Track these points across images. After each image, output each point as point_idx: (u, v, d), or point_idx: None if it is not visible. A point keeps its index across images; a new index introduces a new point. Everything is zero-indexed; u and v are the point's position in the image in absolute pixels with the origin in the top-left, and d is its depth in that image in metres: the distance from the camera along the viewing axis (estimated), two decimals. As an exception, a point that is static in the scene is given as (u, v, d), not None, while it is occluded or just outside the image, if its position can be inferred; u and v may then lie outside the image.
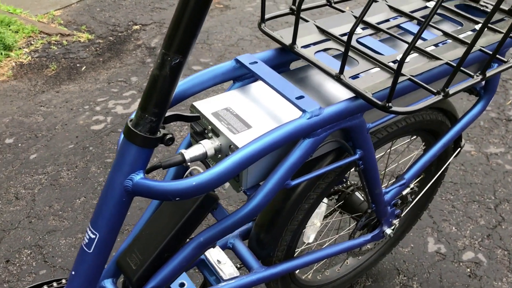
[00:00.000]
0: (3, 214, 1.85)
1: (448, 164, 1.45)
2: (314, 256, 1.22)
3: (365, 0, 1.21)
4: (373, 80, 0.91)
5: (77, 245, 1.73)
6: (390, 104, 0.84)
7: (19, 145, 2.22)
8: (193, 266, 1.16)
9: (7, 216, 1.85)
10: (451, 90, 0.89)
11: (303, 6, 1.09)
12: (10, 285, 1.60)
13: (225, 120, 0.88)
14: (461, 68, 0.91)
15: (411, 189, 1.32)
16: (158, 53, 0.72)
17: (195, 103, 0.91)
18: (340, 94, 0.96)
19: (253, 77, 1.00)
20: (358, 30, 1.06)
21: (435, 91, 0.87)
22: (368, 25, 1.07)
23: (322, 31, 1.04)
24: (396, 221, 1.33)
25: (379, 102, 0.85)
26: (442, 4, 1.17)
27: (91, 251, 0.84)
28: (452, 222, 1.87)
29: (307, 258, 1.20)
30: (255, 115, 0.91)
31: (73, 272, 0.88)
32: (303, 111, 0.85)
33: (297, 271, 1.43)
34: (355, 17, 1.11)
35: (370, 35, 1.06)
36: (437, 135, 1.29)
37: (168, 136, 0.77)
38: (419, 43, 1.03)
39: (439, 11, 1.15)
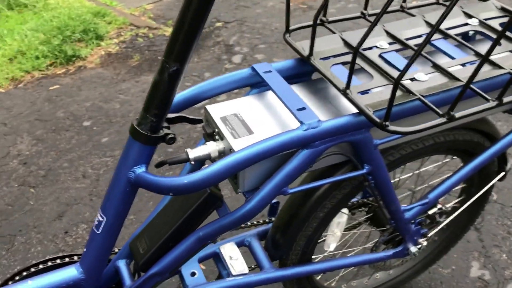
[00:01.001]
0: (69, 190, 2.05)
1: (491, 187, 1.38)
2: (328, 265, 1.23)
3: (399, 15, 1.17)
4: (380, 97, 0.91)
5: (127, 226, 1.87)
6: (387, 123, 0.84)
7: (94, 128, 2.43)
8: (208, 258, 1.23)
9: (72, 192, 2.05)
10: (459, 114, 0.86)
11: (333, 18, 1.10)
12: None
13: (230, 125, 0.93)
14: (475, 89, 0.89)
15: (440, 209, 1.28)
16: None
17: (207, 106, 0.97)
18: (349, 108, 0.97)
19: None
20: (385, 44, 1.05)
21: (441, 113, 0.85)
22: (396, 40, 1.06)
23: (346, 43, 1.05)
24: (422, 240, 1.30)
25: (377, 120, 0.85)
26: (485, 21, 1.12)
27: (99, 232, 0.94)
28: (503, 249, 1.77)
29: (319, 266, 1.22)
30: (261, 122, 0.94)
31: (85, 249, 0.98)
32: (301, 122, 0.88)
33: (318, 277, 1.45)
34: (386, 31, 1.10)
35: (397, 50, 1.05)
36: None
37: (169, 136, 0.84)
38: (445, 61, 1.01)
39: (480, 28, 1.11)
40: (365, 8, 1.10)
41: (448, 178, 1.21)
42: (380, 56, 1.01)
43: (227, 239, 1.22)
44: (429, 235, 1.31)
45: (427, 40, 0.75)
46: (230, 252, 1.17)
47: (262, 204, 0.91)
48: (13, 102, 2.62)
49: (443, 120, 0.85)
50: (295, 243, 1.17)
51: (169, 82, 0.79)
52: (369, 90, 0.92)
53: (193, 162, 0.89)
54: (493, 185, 1.36)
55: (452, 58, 1.04)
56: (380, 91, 0.92)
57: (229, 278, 1.11)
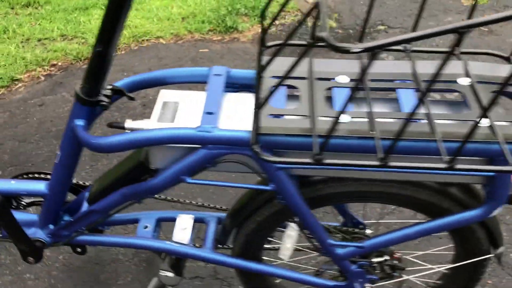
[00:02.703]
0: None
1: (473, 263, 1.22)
2: (263, 268, 1.27)
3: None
4: (286, 124, 0.93)
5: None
6: (255, 147, 0.89)
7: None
8: (166, 220, 1.36)
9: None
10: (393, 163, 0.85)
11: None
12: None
13: (164, 110, 1.05)
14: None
15: (392, 262, 1.21)
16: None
17: (162, 90, 1.11)
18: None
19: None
20: (344, 79, 1.05)
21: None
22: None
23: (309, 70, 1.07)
24: (370, 287, 1.23)
25: (245, 140, 0.93)
26: (476, 84, 1.01)
27: (57, 162, 1.16)
28: None
29: (251, 265, 1.25)
30: (188, 115, 1.04)
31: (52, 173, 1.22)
32: (200, 124, 0.97)
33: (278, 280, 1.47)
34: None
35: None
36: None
37: (102, 103, 1.03)
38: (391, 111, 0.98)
39: (463, 90, 1.02)
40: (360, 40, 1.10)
41: (391, 232, 1.14)
42: (328, 88, 1.01)
43: (192, 212, 1.34)
44: (379, 284, 1.24)
45: (356, 86, 0.77)
46: (185, 222, 1.30)
47: (163, 182, 1.05)
48: (166, 54, 3.05)
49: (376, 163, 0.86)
50: (237, 236, 1.24)
51: (97, 60, 0.98)
52: (282, 115, 0.94)
53: (127, 131, 1.04)
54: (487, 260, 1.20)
55: (399, 110, 1.00)
56: (291, 120, 0.94)
57: (167, 242, 1.25)
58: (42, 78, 2.75)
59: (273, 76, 1.05)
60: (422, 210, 1.15)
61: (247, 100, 1.08)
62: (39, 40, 3.05)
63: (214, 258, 1.26)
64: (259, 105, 0.88)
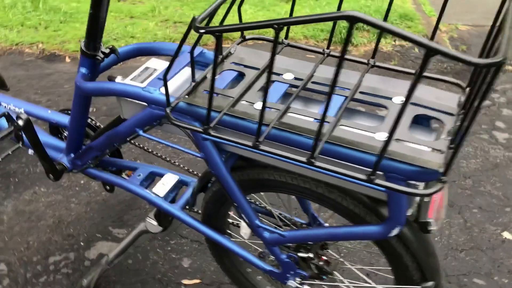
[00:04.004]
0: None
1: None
2: (213, 236, 1.35)
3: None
4: (204, 99, 1.04)
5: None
6: (168, 109, 1.00)
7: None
8: (156, 175, 1.53)
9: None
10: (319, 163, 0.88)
11: (295, 44, 1.19)
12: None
13: (143, 73, 1.22)
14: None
15: (319, 260, 1.20)
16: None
17: (152, 58, 1.28)
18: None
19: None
20: (288, 76, 1.12)
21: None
22: (302, 79, 1.10)
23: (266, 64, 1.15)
24: (298, 281, 1.24)
25: (154, 97, 1.10)
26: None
27: (73, 101, 1.41)
28: None
29: (206, 231, 1.36)
30: (158, 81, 1.19)
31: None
32: (147, 85, 1.13)
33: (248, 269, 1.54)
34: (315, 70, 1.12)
35: (292, 86, 1.11)
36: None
37: (96, 57, 1.23)
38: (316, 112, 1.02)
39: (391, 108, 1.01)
40: (328, 47, 1.15)
41: (309, 229, 1.15)
42: (272, 81, 1.09)
43: (181, 174, 1.50)
44: (308, 282, 1.24)
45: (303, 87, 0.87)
46: (168, 179, 1.47)
47: (124, 130, 1.22)
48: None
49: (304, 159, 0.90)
50: (202, 202, 1.36)
51: (91, 21, 1.18)
52: (217, 94, 1.05)
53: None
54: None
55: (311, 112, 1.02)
56: (217, 98, 1.04)
57: (146, 190, 1.42)
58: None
59: (232, 62, 1.16)
60: (348, 217, 1.14)
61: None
62: (175, 22, 3.49)
63: (177, 214, 1.40)
64: (193, 78, 1.00)
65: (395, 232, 1.01)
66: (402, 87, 1.07)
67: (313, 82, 1.10)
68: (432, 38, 1.03)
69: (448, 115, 1.00)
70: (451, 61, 3.18)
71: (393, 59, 3.16)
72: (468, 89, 1.05)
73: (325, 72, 1.13)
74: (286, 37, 1.20)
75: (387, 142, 0.87)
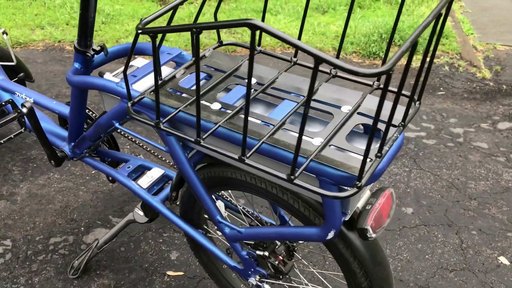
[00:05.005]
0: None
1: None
2: (186, 228, 1.41)
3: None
4: (167, 96, 1.11)
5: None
6: (129, 104, 1.08)
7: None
8: (145, 169, 1.61)
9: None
10: (249, 161, 0.92)
11: (267, 51, 1.24)
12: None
13: (131, 68, 1.31)
14: None
15: (275, 260, 1.23)
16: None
17: (138, 57, 1.38)
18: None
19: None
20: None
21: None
22: (263, 84, 1.16)
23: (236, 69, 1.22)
24: (258, 279, 1.28)
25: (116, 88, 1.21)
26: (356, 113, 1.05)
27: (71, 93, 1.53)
28: None
29: (180, 223, 1.41)
30: (136, 77, 1.27)
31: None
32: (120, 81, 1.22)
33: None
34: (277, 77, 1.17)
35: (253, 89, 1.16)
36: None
37: (87, 54, 1.32)
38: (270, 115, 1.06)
39: (338, 115, 1.05)
40: (295, 56, 1.21)
41: (269, 227, 1.19)
42: (236, 84, 1.17)
43: (168, 169, 1.58)
44: (267, 281, 1.28)
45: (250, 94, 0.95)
46: (154, 173, 1.55)
47: (104, 121, 1.32)
48: (301, 63, 3.27)
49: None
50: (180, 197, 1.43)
51: (81, 20, 1.27)
52: (177, 90, 1.12)
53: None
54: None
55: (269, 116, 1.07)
56: (179, 96, 1.12)
57: (131, 181, 1.51)
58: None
59: (205, 65, 1.23)
60: (300, 219, 1.17)
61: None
62: (209, 28, 3.61)
63: (156, 206, 1.47)
64: (160, 77, 1.09)
65: (331, 235, 1.04)
66: (355, 97, 1.10)
67: (272, 88, 1.15)
68: (338, 54, 1.12)
69: (391, 126, 1.02)
70: (480, 81, 3.11)
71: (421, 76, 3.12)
72: (418, 102, 1.07)
73: (288, 78, 1.18)
74: (259, 44, 1.26)
75: (319, 147, 0.92)
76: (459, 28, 3.70)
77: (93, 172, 2.22)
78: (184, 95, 1.13)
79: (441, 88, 3.03)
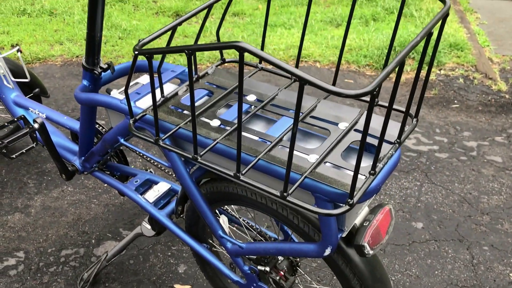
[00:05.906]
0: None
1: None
2: (190, 243, 1.42)
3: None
4: (168, 113, 1.13)
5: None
6: (131, 121, 1.10)
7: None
8: (152, 183, 1.64)
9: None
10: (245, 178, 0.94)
11: (268, 67, 1.26)
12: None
13: (132, 87, 1.34)
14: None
15: (276, 275, 1.23)
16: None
17: (146, 74, 1.41)
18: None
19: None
20: (251, 98, 1.19)
21: (191, 155, 1.01)
22: (262, 101, 1.18)
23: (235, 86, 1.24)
24: None
25: (119, 105, 1.22)
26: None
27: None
28: None
29: (185, 238, 1.43)
30: (139, 94, 1.30)
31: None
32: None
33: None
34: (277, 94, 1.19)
35: (250, 105, 1.19)
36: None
37: (94, 71, 1.36)
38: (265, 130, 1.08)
39: (334, 132, 1.07)
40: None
41: (269, 242, 1.19)
42: (236, 101, 1.18)
43: (174, 184, 1.60)
44: None
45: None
46: (160, 187, 1.58)
47: (110, 137, 1.35)
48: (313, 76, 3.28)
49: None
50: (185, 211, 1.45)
51: (88, 39, 1.30)
52: (181, 109, 1.14)
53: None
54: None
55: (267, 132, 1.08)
56: (179, 113, 1.13)
57: (138, 195, 1.53)
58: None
59: (207, 82, 1.26)
60: (300, 235, 1.18)
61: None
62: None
63: (162, 220, 1.49)
64: (162, 94, 1.13)
65: (327, 251, 1.04)
66: (352, 114, 1.11)
67: (272, 105, 1.17)
68: (296, 66, 1.14)
69: (386, 143, 1.02)
70: (496, 94, 3.07)
71: (435, 88, 3.10)
72: (415, 119, 1.07)
73: (287, 95, 1.20)
74: (260, 61, 1.28)
75: (314, 164, 0.93)
76: (474, 40, 3.67)
77: (105, 185, 2.26)
78: (185, 112, 1.15)
79: (455, 101, 3.00)
